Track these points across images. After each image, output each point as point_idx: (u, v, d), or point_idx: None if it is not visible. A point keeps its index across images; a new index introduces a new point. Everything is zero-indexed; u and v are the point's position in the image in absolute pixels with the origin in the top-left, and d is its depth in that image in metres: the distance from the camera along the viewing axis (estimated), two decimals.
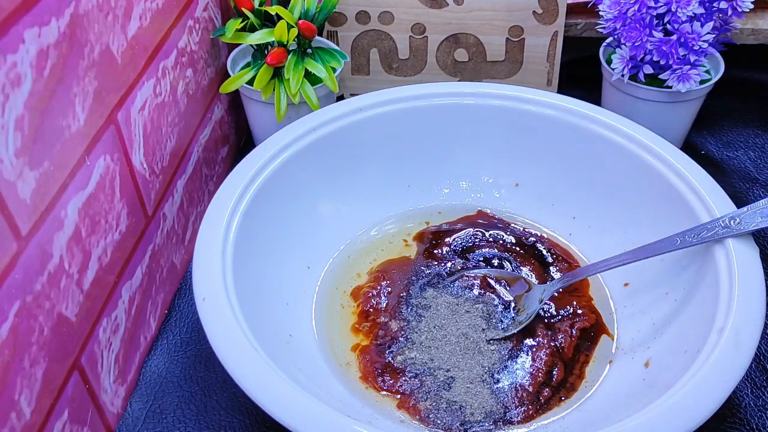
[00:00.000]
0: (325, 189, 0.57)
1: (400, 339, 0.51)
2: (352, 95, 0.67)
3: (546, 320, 0.53)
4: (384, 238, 0.60)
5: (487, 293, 0.54)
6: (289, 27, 0.59)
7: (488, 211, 0.62)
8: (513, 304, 0.54)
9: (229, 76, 0.63)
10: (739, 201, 0.63)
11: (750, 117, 0.74)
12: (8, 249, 0.35)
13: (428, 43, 0.71)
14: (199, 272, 0.45)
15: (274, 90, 0.61)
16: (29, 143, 0.36)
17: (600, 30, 0.64)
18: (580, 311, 0.53)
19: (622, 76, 0.62)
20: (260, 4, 0.62)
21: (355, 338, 0.52)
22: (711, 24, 0.58)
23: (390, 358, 0.50)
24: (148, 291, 0.52)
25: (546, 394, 0.48)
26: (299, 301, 0.53)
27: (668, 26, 0.59)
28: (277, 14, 0.60)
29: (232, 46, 0.65)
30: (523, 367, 0.50)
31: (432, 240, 0.59)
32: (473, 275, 0.55)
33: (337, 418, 0.38)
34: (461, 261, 0.57)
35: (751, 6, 0.59)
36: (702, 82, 0.61)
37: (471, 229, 0.60)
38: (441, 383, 0.49)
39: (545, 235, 0.59)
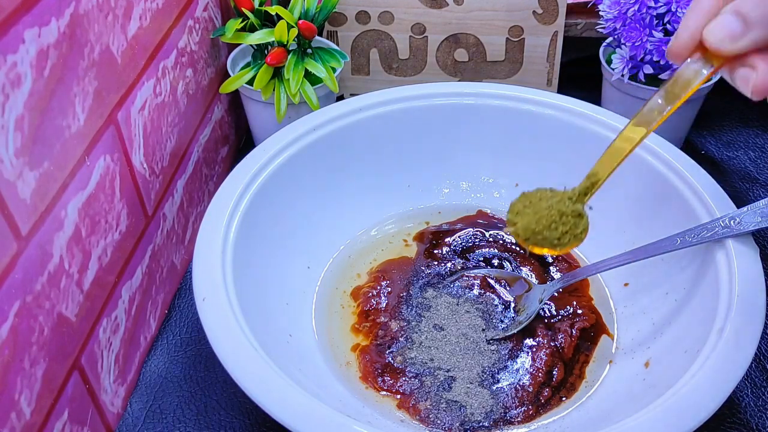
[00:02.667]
0: (325, 189, 0.57)
1: (400, 339, 0.51)
2: (352, 95, 0.67)
3: (546, 320, 0.53)
4: (384, 238, 0.60)
5: (487, 293, 0.54)
6: (289, 27, 0.59)
7: (488, 211, 0.62)
8: (513, 304, 0.54)
9: (229, 76, 0.63)
10: (739, 201, 0.63)
11: (750, 117, 0.74)
12: (8, 249, 0.35)
13: (428, 43, 0.71)
14: (199, 272, 0.45)
15: (274, 90, 0.61)
16: (29, 143, 0.36)
17: (600, 30, 0.64)
18: (580, 311, 0.53)
19: (622, 76, 0.62)
20: (260, 4, 0.62)
21: (355, 338, 0.52)
22: None
23: (390, 358, 0.50)
24: (148, 291, 0.52)
25: (546, 394, 0.48)
26: (299, 301, 0.53)
27: (668, 26, 0.59)
28: (277, 14, 0.60)
29: (232, 46, 0.66)
30: (523, 367, 0.50)
31: (432, 240, 0.59)
32: (473, 275, 0.55)
33: (337, 418, 0.38)
34: (461, 261, 0.57)
35: None
36: None
37: (471, 229, 0.60)
38: (441, 383, 0.49)
39: None
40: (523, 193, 0.43)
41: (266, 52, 0.63)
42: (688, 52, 0.36)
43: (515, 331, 0.52)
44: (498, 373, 0.49)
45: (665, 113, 0.38)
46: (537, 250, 0.42)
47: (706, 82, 0.37)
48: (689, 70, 0.36)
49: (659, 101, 0.38)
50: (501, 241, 0.59)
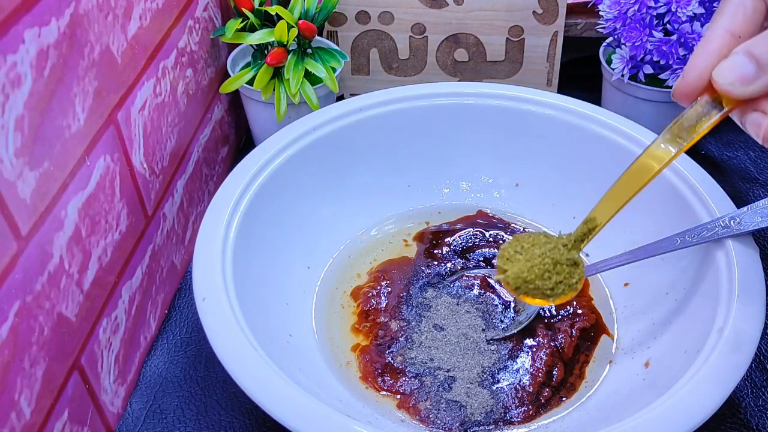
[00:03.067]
0: (325, 189, 0.57)
1: (400, 339, 0.51)
2: (352, 95, 0.67)
3: (546, 320, 0.53)
4: (384, 238, 0.60)
5: (487, 293, 0.54)
6: (289, 27, 0.59)
7: (488, 211, 0.62)
8: (513, 304, 0.54)
9: (229, 76, 0.63)
10: (739, 201, 0.63)
11: None
12: (8, 249, 0.35)
13: (428, 43, 0.71)
14: (199, 272, 0.45)
15: (274, 90, 0.61)
16: (29, 143, 0.36)
17: (600, 30, 0.64)
18: (580, 311, 0.53)
19: (622, 76, 0.62)
20: (260, 4, 0.62)
21: (355, 338, 0.52)
22: None
23: (390, 358, 0.50)
24: (148, 291, 0.52)
25: (546, 394, 0.48)
26: (299, 301, 0.53)
27: (668, 26, 0.59)
28: (277, 14, 0.60)
29: (232, 46, 0.66)
30: (523, 367, 0.50)
31: (432, 240, 0.59)
32: (473, 275, 0.55)
33: (337, 418, 0.38)
34: (461, 261, 0.57)
35: None
36: None
37: (471, 229, 0.60)
38: (441, 383, 0.49)
39: None
40: (515, 236, 0.41)
41: (266, 52, 0.63)
42: (696, 93, 0.34)
43: (515, 331, 0.52)
44: (498, 373, 0.49)
45: (670, 158, 0.35)
46: (528, 300, 0.40)
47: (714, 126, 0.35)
48: (696, 113, 0.34)
49: (662, 145, 0.36)
50: (501, 241, 0.59)
